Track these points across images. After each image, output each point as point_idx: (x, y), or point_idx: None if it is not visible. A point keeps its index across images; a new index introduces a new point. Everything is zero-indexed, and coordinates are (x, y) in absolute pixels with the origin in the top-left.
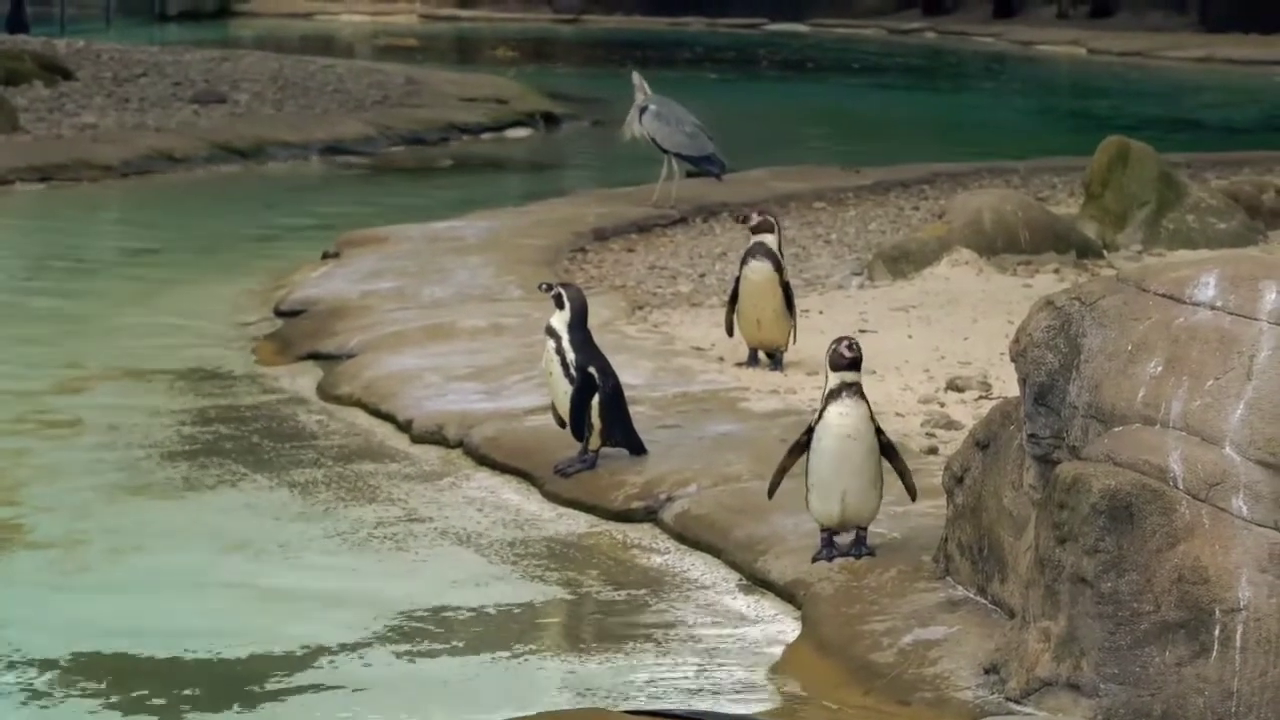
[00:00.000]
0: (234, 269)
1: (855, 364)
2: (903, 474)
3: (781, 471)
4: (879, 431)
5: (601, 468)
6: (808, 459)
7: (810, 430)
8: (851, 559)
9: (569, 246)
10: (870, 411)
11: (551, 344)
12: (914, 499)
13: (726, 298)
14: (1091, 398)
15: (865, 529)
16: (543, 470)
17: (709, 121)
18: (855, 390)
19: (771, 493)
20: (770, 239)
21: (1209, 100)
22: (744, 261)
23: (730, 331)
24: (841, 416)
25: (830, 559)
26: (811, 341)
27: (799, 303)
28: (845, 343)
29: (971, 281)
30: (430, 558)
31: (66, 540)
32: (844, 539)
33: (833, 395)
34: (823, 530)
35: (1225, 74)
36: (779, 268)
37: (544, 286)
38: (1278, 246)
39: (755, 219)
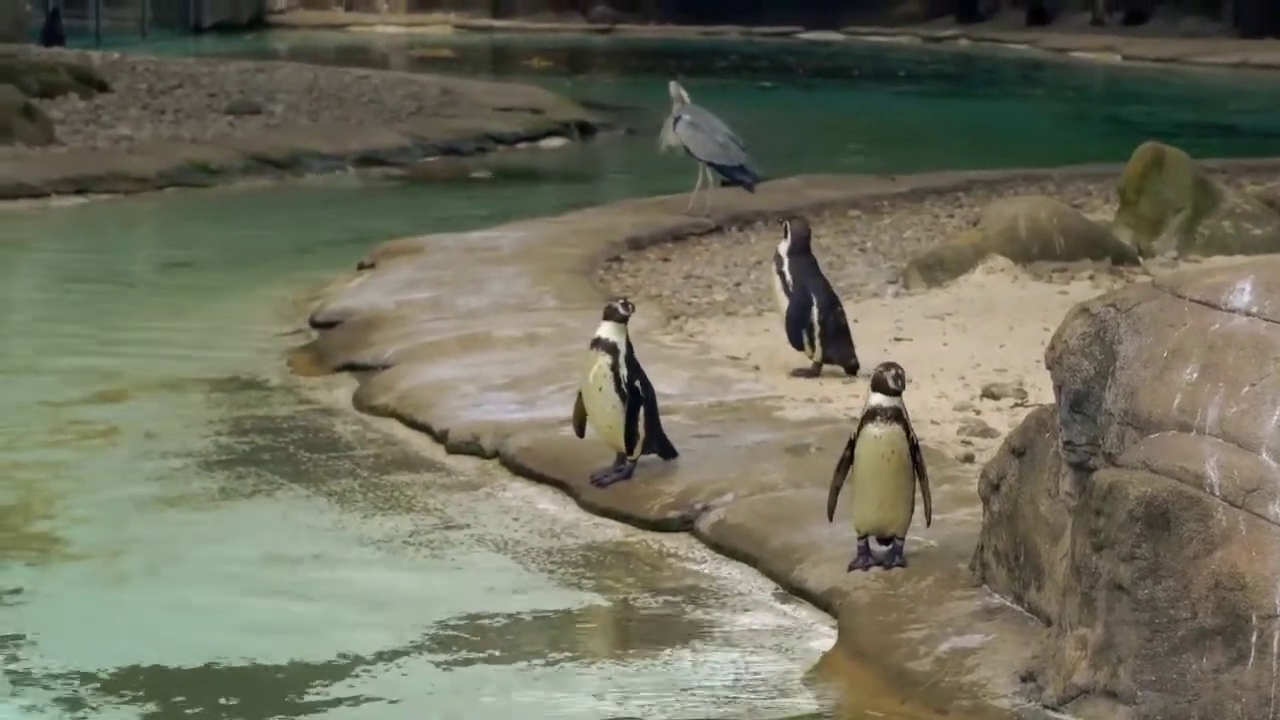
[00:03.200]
0: (270, 280)
1: (898, 393)
2: (925, 497)
3: (835, 491)
4: (915, 450)
5: (637, 477)
6: (852, 471)
7: (852, 444)
8: (887, 569)
9: (604, 256)
10: (907, 433)
11: (607, 359)
12: (928, 524)
13: (762, 307)
14: (1127, 404)
15: (901, 539)
16: (578, 479)
17: (744, 130)
18: (892, 414)
19: (831, 513)
20: (780, 245)
21: (1244, 106)
22: None
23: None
24: (876, 439)
25: (866, 567)
26: None
27: None
28: (894, 373)
29: (1007, 289)
30: (466, 566)
31: (104, 551)
32: (879, 550)
33: (871, 415)
34: (860, 538)
35: (1260, 79)
36: (779, 271)
37: (626, 305)
38: None
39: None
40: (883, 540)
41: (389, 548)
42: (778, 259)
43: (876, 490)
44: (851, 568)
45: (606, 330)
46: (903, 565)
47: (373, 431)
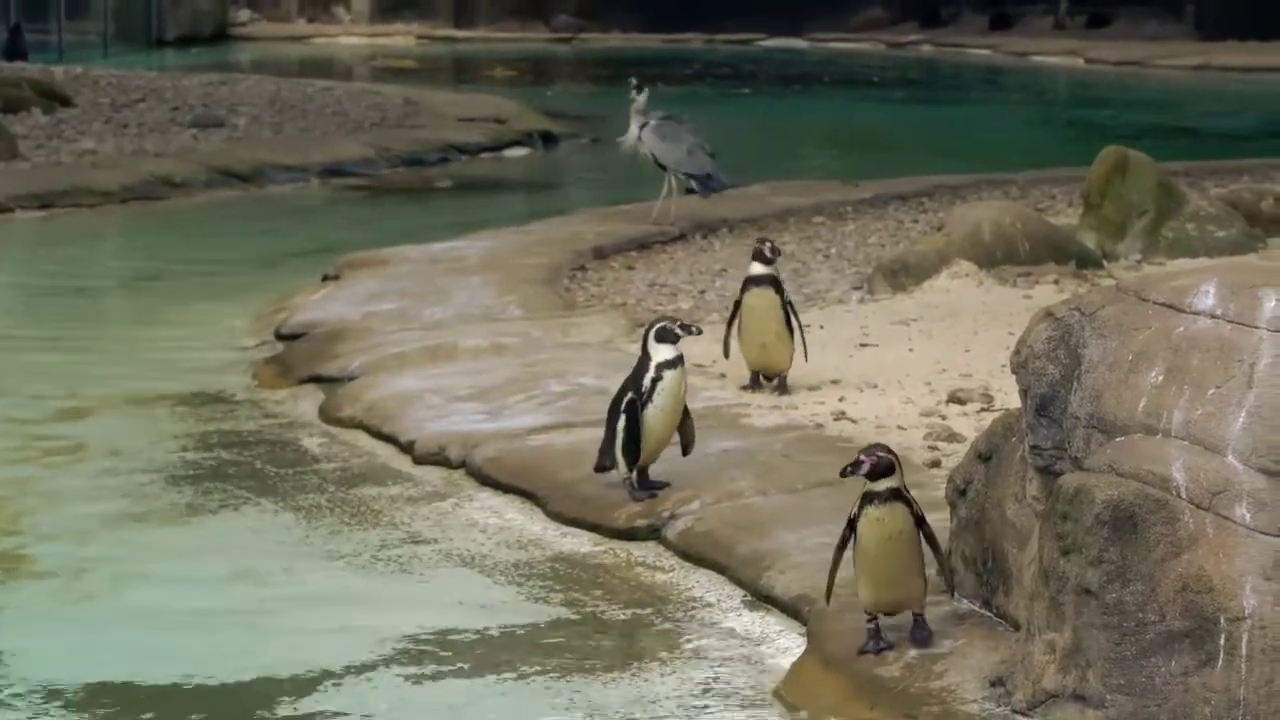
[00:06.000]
0: (234, 293)
1: (890, 470)
2: (941, 565)
3: (834, 572)
4: (921, 522)
5: (607, 484)
6: (854, 550)
7: (851, 523)
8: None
9: (569, 265)
10: (912, 508)
11: (681, 371)
12: (951, 593)
13: (727, 316)
14: (1093, 408)
15: (920, 612)
16: (545, 489)
17: (709, 137)
18: (892, 493)
19: (829, 595)
20: (760, 268)
21: (1207, 108)
22: (745, 287)
23: (727, 353)
24: (879, 521)
25: (878, 651)
26: (812, 357)
27: (801, 316)
28: (880, 452)
29: (971, 293)
30: (434, 580)
31: (70, 568)
32: (886, 620)
33: (870, 498)
34: (869, 620)
35: (1222, 81)
36: (780, 290)
37: (696, 330)
38: (1277, 254)
39: (767, 248)
40: (889, 613)
41: (357, 562)
42: (772, 279)
43: (887, 571)
44: (863, 651)
45: (669, 351)
46: (930, 636)
47: (339, 444)
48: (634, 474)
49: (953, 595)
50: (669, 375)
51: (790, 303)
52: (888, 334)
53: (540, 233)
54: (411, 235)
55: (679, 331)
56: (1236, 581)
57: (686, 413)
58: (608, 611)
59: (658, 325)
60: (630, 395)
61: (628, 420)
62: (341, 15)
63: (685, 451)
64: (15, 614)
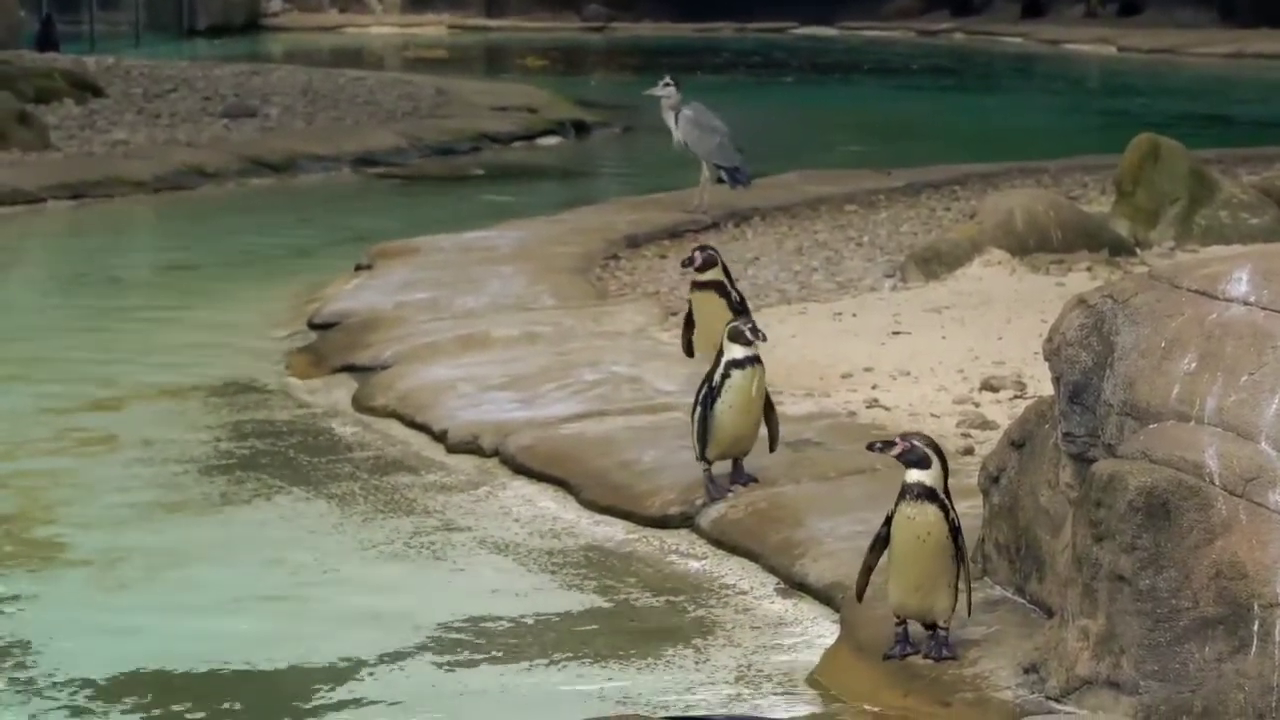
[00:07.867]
0: (267, 282)
1: (924, 462)
2: (966, 585)
3: (866, 570)
4: (956, 533)
5: (640, 472)
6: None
7: (889, 521)
8: (936, 661)
9: (602, 254)
10: (945, 513)
11: (751, 371)
12: (969, 615)
13: (760, 303)
14: (1126, 395)
15: (945, 627)
16: (578, 478)
17: (739, 126)
18: (924, 492)
19: (860, 593)
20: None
21: (1239, 95)
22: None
23: (689, 353)
24: (909, 520)
25: (904, 656)
26: (846, 345)
27: (834, 304)
28: (917, 440)
29: (1004, 281)
30: (468, 568)
31: (104, 557)
32: (917, 630)
33: (904, 493)
34: (897, 624)
35: (1255, 69)
36: (725, 294)
37: (762, 337)
38: None
39: (698, 259)
40: (925, 626)
41: (390, 550)
42: (716, 285)
43: (914, 574)
44: (888, 656)
45: (740, 351)
46: (953, 658)
47: (372, 432)
48: (710, 465)
49: (968, 614)
50: (736, 374)
51: (738, 300)
52: (920, 322)
53: (573, 221)
54: (444, 224)
55: (749, 335)
56: (1270, 568)
57: (771, 408)
58: (641, 599)
59: (731, 325)
60: (704, 389)
61: (701, 412)
62: (373, 5)
63: (771, 448)
64: (50, 603)
